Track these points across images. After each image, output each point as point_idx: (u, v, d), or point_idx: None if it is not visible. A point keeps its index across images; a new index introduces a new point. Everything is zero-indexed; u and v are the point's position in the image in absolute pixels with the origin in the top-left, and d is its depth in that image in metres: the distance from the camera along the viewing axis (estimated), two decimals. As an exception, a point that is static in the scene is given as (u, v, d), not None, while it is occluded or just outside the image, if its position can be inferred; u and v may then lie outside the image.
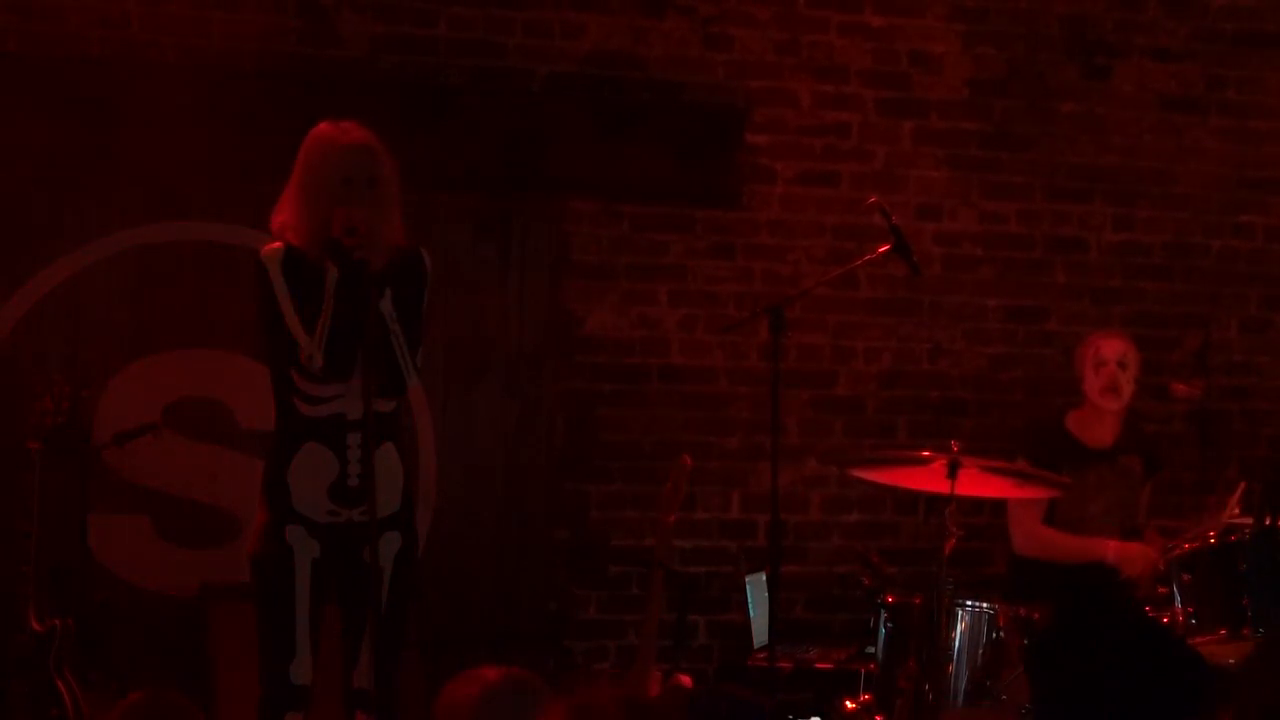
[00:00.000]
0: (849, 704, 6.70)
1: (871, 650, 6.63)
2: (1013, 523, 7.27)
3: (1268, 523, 6.68)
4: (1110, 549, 7.03)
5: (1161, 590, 6.73)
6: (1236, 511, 6.93)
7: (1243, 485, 7.07)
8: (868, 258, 6.74)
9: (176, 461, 7.41)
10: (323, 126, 5.30)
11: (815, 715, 7.01)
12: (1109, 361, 7.22)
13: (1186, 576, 6.56)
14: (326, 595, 5.26)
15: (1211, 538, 6.62)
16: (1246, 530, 6.60)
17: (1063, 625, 6.48)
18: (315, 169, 5.24)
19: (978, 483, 6.35)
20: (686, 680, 6.96)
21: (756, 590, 7.48)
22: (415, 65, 7.73)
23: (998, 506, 7.44)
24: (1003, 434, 8.11)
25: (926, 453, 6.35)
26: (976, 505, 7.60)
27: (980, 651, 6.41)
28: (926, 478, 6.33)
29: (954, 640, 6.40)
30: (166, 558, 7.41)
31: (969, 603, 6.46)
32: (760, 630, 7.38)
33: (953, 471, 6.16)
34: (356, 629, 5.28)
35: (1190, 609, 6.47)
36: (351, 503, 5.21)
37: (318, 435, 5.21)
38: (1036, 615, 6.42)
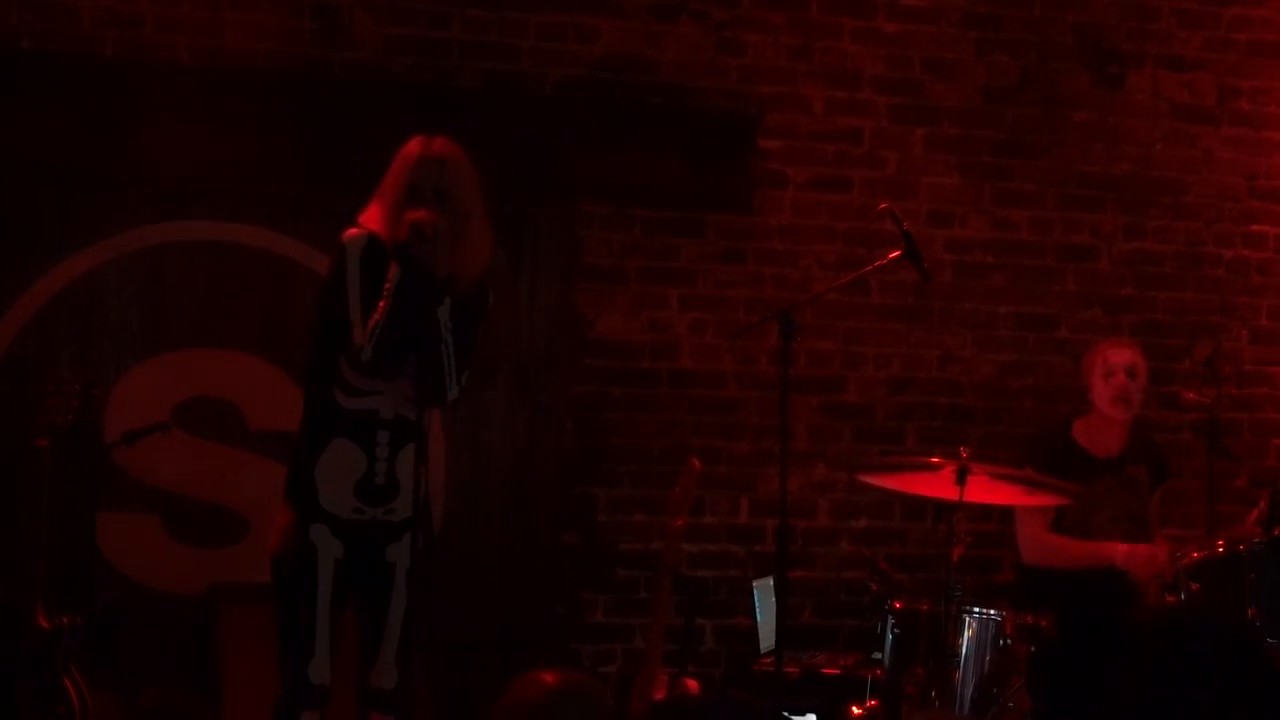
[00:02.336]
0: (856, 710, 6.69)
1: (878, 656, 6.63)
2: (1020, 531, 7.26)
3: (1276, 533, 6.68)
4: (1119, 551, 7.01)
5: (1170, 600, 6.72)
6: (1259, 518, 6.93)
7: (1259, 507, 7.04)
8: (878, 263, 6.74)
9: (186, 461, 7.42)
10: (413, 138, 5.38)
11: (811, 713, 7.01)
12: (1118, 371, 7.20)
13: (1195, 586, 6.57)
14: (347, 595, 5.28)
15: (1220, 548, 6.63)
16: (1256, 540, 6.60)
17: (1065, 638, 6.52)
18: (392, 177, 5.35)
19: (987, 489, 6.36)
20: (693, 685, 6.95)
21: (764, 595, 7.48)
22: (428, 68, 7.74)
23: (1006, 513, 7.44)
24: (1012, 441, 8.12)
25: (936, 459, 6.36)
26: (985, 512, 7.61)
27: (987, 658, 6.41)
28: (935, 484, 6.33)
29: (961, 647, 6.40)
30: (175, 557, 7.42)
31: (976, 609, 6.47)
32: (767, 635, 7.38)
33: (961, 478, 6.16)
34: (375, 628, 5.30)
35: (1198, 618, 6.47)
36: (376, 501, 5.25)
37: (347, 431, 5.24)
38: (1044, 623, 6.42)
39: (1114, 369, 7.21)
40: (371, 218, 5.34)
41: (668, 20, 8.02)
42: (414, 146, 5.36)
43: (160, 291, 7.46)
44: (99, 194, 7.39)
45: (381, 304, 5.13)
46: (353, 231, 5.31)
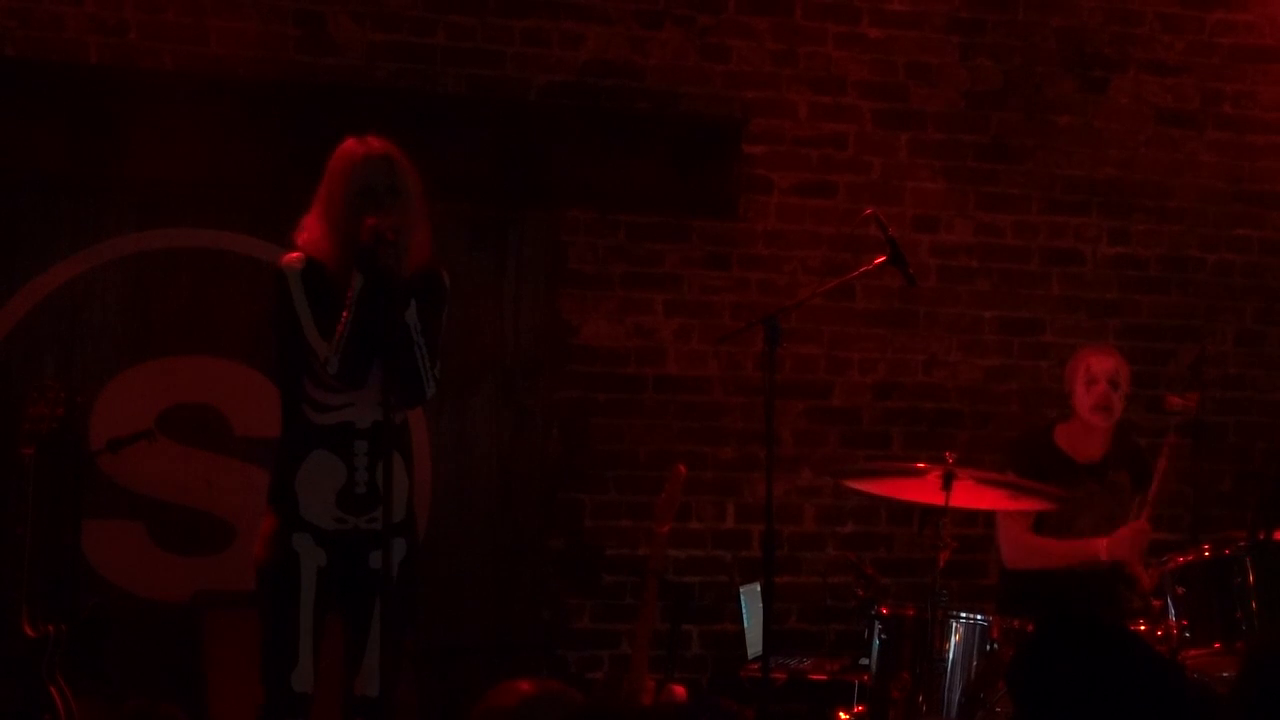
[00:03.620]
0: (843, 715, 6.70)
1: (865, 662, 6.62)
2: (1001, 535, 7.24)
3: (1261, 536, 6.68)
4: (1102, 547, 6.98)
5: (1156, 603, 6.72)
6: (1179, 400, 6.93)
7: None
8: (864, 269, 6.74)
9: (171, 468, 7.41)
10: (346, 141, 5.34)
11: None
12: (1100, 380, 7.18)
13: (1181, 590, 6.56)
14: (330, 603, 5.27)
15: (1205, 551, 6.63)
16: (1241, 543, 6.60)
17: (1044, 642, 6.51)
18: (336, 181, 5.29)
19: (972, 494, 6.36)
20: (680, 690, 6.95)
21: (750, 600, 7.48)
22: (413, 74, 7.73)
23: (992, 518, 7.43)
24: (998, 446, 8.11)
25: (921, 464, 6.36)
26: (971, 517, 7.60)
27: (974, 663, 6.40)
28: (921, 489, 6.33)
29: (948, 652, 6.39)
30: (161, 564, 7.40)
31: (963, 614, 6.46)
32: (754, 641, 7.38)
33: (947, 483, 6.16)
34: (360, 636, 5.29)
35: (1184, 622, 6.47)
36: (358, 510, 5.23)
37: (325, 443, 5.23)
38: (1030, 627, 6.42)
39: (1096, 377, 7.20)
40: (312, 227, 5.30)
41: (652, 26, 8.02)
42: (354, 147, 5.31)
43: (145, 298, 7.45)
44: (84, 201, 7.38)
45: (345, 314, 5.11)
46: (290, 256, 5.28)
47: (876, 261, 6.56)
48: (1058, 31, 8.54)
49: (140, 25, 7.45)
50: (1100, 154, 8.58)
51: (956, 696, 6.39)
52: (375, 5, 7.70)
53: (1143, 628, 6.58)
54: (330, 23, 7.64)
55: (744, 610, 7.51)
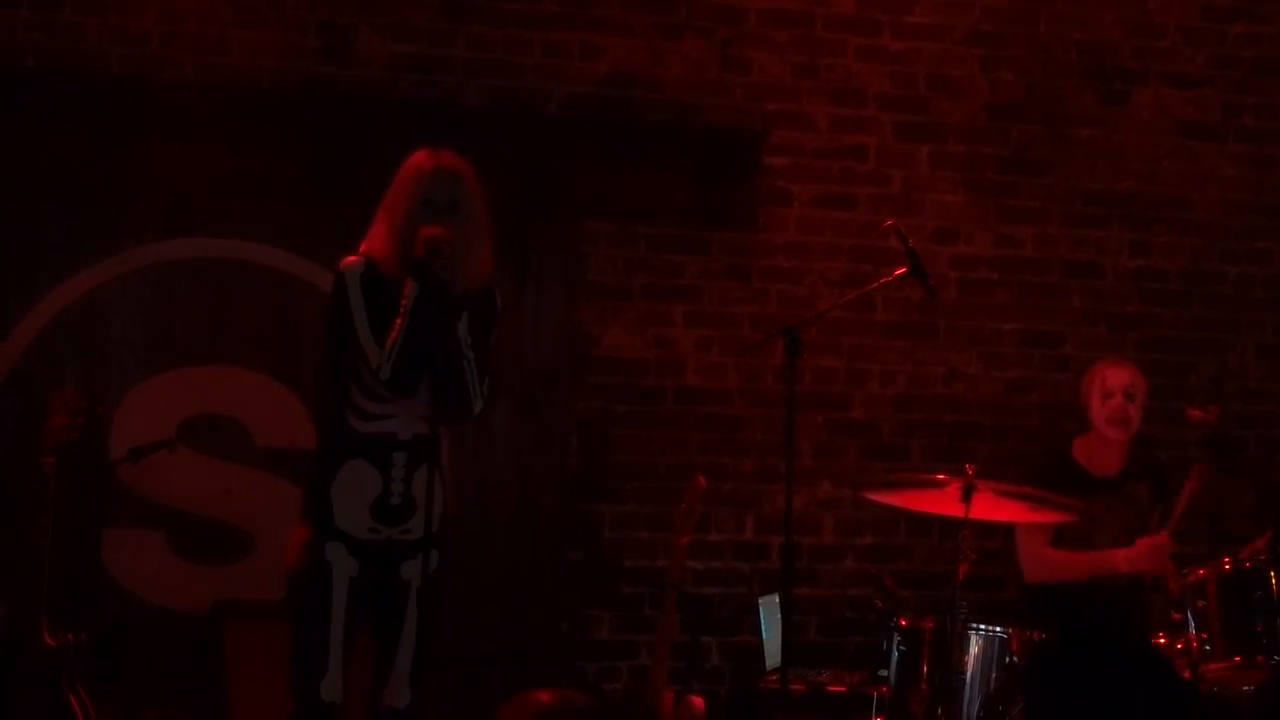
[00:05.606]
0: (861, 727, 6.71)
1: (884, 673, 6.63)
2: (1021, 549, 7.21)
3: (1282, 550, 6.67)
4: (1120, 558, 6.94)
5: (1176, 616, 6.71)
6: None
7: (1270, 533, 6.98)
8: (884, 281, 6.74)
9: (191, 478, 7.42)
10: (419, 151, 5.35)
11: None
12: (1116, 393, 7.15)
13: (1201, 603, 6.56)
14: (361, 613, 5.27)
15: (1226, 564, 6.62)
16: (1262, 556, 6.59)
17: (1059, 651, 6.51)
18: (401, 189, 5.30)
19: (992, 506, 6.35)
20: (698, 702, 6.95)
21: (769, 612, 7.48)
22: (433, 85, 7.75)
23: (1011, 530, 7.42)
24: (1017, 459, 8.10)
25: (941, 476, 6.35)
26: (990, 529, 7.59)
27: (993, 675, 6.41)
28: (941, 501, 6.33)
29: (967, 664, 6.39)
30: (181, 574, 7.42)
31: (982, 626, 6.46)
32: (773, 652, 7.37)
33: (967, 495, 6.15)
34: (389, 646, 5.29)
35: (1204, 635, 6.46)
36: (392, 521, 5.23)
37: (363, 452, 5.22)
38: (1050, 639, 6.42)
39: (1112, 390, 7.17)
40: (378, 236, 5.32)
41: (672, 38, 8.03)
42: (424, 159, 5.32)
43: (165, 308, 7.47)
44: (104, 211, 7.40)
45: (398, 321, 5.11)
46: (350, 259, 5.28)
47: (896, 273, 6.56)
48: (1079, 44, 8.53)
49: (161, 36, 7.48)
50: (1121, 167, 8.57)
51: (975, 709, 6.39)
52: (396, 17, 7.72)
53: (1162, 641, 6.57)
54: (351, 34, 7.66)
55: (763, 622, 7.51)
